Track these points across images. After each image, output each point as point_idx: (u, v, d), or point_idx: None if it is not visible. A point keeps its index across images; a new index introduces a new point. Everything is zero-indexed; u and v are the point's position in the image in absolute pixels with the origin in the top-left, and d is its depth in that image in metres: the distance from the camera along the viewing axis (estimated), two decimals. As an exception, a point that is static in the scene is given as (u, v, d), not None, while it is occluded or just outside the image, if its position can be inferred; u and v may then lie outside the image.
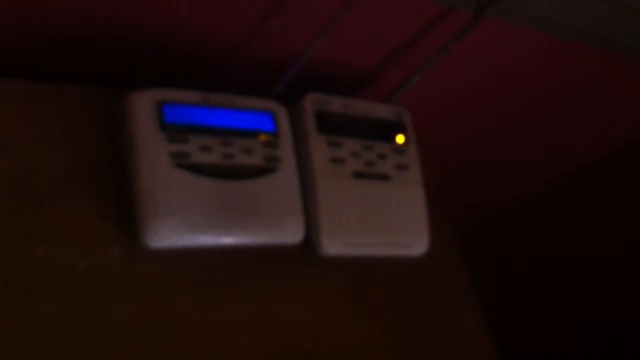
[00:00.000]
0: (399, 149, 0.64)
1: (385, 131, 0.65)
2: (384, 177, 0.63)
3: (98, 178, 0.54)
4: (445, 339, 0.65)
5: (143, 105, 0.54)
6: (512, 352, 0.72)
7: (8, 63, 0.59)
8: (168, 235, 0.52)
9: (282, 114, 0.60)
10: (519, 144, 0.98)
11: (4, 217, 0.49)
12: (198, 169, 0.53)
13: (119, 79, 0.61)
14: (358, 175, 0.61)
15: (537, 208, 1.13)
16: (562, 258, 1.13)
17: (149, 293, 0.52)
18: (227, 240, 0.54)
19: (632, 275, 1.05)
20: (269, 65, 0.67)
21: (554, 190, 1.10)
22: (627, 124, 0.99)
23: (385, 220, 0.61)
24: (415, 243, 0.63)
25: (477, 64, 0.78)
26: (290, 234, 0.57)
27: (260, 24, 0.64)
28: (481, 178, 1.03)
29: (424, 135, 0.69)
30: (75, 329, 0.48)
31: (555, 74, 0.84)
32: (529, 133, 0.96)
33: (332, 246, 0.59)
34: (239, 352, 0.54)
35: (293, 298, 0.59)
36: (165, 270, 0.54)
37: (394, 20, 0.68)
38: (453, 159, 0.94)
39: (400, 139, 0.65)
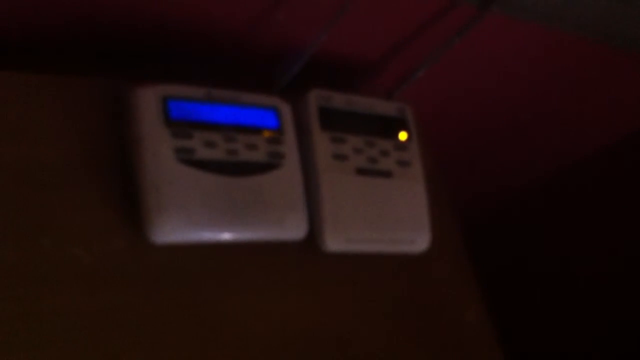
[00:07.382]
0: (401, 146, 0.65)
1: (388, 128, 0.65)
2: (387, 174, 0.63)
3: (102, 170, 0.54)
4: (447, 331, 0.66)
5: (148, 101, 0.54)
6: (513, 344, 0.72)
7: (10, 54, 0.59)
8: (172, 231, 0.52)
9: (286, 110, 0.60)
10: (521, 137, 0.98)
11: (9, 209, 0.49)
12: (202, 165, 0.54)
13: (122, 69, 0.61)
14: (361, 171, 0.62)
15: (539, 201, 1.13)
16: (563, 252, 1.13)
17: (154, 285, 0.53)
18: (231, 236, 0.54)
19: (631, 273, 1.05)
20: (273, 58, 0.67)
21: (555, 183, 1.10)
22: (630, 118, 0.99)
23: (387, 217, 0.62)
24: (417, 240, 0.64)
25: (480, 59, 0.78)
26: (294, 229, 0.58)
27: (264, 17, 0.64)
28: (483, 170, 1.03)
29: (426, 129, 0.69)
30: (79, 322, 0.49)
31: (558, 68, 0.84)
32: (532, 126, 0.96)
33: (335, 242, 0.59)
34: (243, 342, 0.55)
35: (297, 289, 0.59)
36: (170, 261, 0.54)
37: (398, 14, 0.68)
38: (455, 153, 0.94)
39: (402, 135, 0.65)
